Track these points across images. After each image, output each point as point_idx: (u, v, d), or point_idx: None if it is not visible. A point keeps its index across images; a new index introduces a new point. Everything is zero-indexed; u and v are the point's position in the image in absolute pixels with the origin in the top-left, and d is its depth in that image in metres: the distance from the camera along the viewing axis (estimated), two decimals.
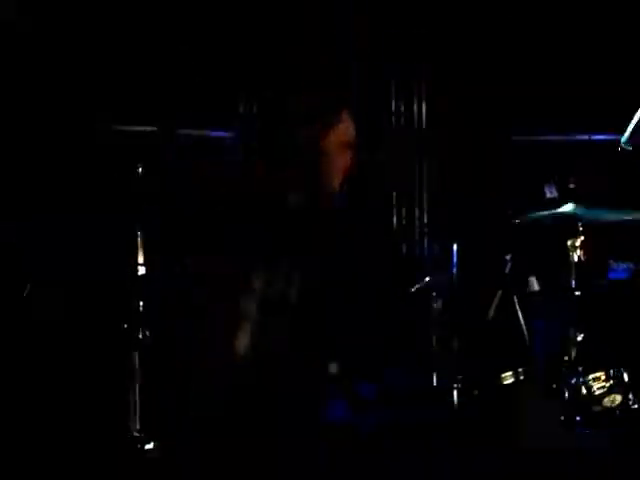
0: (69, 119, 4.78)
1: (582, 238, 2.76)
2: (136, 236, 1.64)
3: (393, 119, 6.41)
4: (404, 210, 6.46)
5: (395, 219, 6.41)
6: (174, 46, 5.11)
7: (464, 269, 3.17)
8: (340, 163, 2.30)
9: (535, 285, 4.73)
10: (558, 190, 4.83)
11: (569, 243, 2.76)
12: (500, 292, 2.94)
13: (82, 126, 4.65)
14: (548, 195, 4.90)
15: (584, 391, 2.29)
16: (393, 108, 6.41)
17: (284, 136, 2.24)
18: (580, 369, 2.47)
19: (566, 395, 2.23)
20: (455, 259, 3.13)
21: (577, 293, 2.78)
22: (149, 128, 5.26)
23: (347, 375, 2.18)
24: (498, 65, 5.44)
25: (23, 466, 3.39)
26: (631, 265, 5.00)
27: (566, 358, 2.64)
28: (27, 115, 4.55)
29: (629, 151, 2.30)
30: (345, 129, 2.30)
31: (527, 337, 3.38)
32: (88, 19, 4.88)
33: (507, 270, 2.97)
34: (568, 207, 2.75)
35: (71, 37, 4.82)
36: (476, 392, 2.51)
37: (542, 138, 5.87)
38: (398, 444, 2.03)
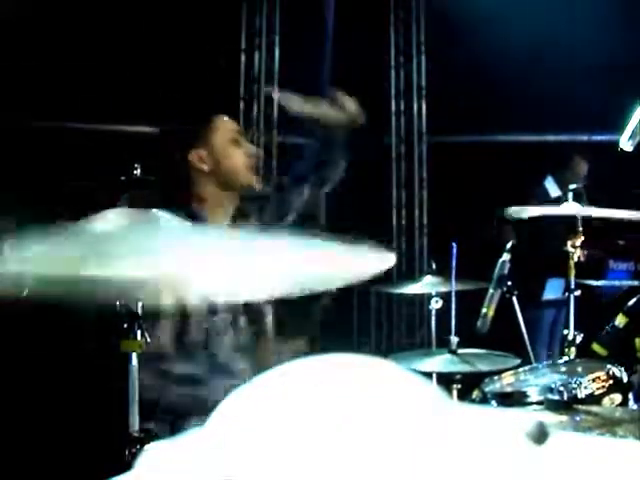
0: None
1: (582, 238, 2.75)
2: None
3: (393, 119, 6.42)
4: (404, 210, 6.48)
5: (395, 219, 6.43)
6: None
7: (463, 269, 3.17)
8: (239, 155, 2.46)
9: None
10: (560, 188, 4.83)
11: (569, 243, 2.76)
12: (499, 292, 2.93)
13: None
14: (552, 194, 4.90)
15: (584, 391, 2.29)
16: (393, 108, 6.43)
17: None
18: (580, 369, 2.46)
19: (566, 395, 2.23)
20: (454, 259, 3.12)
21: (577, 293, 2.78)
22: (148, 128, 5.25)
23: None
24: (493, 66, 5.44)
25: (23, 466, 3.38)
26: (631, 265, 5.02)
27: (566, 358, 2.64)
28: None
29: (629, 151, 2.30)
30: (226, 126, 2.49)
31: (527, 337, 3.37)
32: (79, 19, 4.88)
33: (506, 271, 2.96)
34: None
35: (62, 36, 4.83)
36: (476, 392, 2.51)
37: (544, 138, 5.88)
38: None
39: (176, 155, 2.44)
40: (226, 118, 2.53)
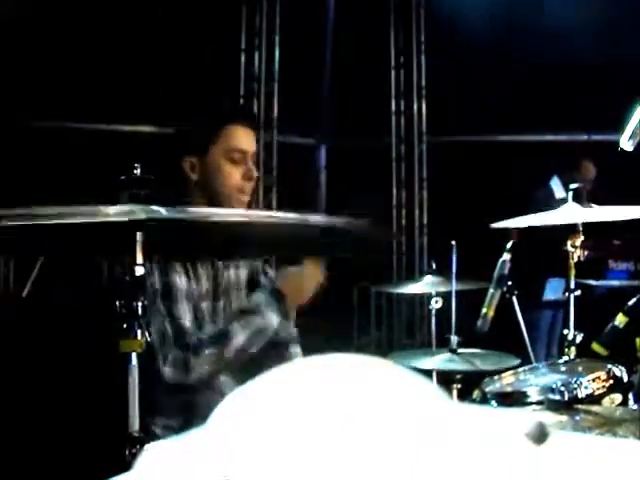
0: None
1: (582, 238, 2.75)
2: (135, 236, 1.63)
3: (393, 119, 6.42)
4: (404, 210, 6.47)
5: (395, 219, 6.43)
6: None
7: (463, 269, 3.17)
8: (233, 174, 2.25)
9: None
10: (565, 188, 4.83)
11: (569, 243, 2.76)
12: (499, 292, 2.93)
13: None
14: (557, 195, 4.90)
15: (584, 391, 2.28)
16: (393, 108, 6.42)
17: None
18: (580, 369, 2.46)
19: (566, 395, 2.23)
20: (454, 259, 3.12)
21: (577, 293, 2.78)
22: (147, 128, 5.26)
23: None
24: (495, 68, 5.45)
25: (23, 466, 3.38)
26: (631, 265, 5.01)
27: (566, 358, 2.64)
28: None
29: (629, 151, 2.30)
30: (231, 138, 2.26)
31: (527, 337, 3.37)
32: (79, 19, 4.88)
33: (506, 271, 2.96)
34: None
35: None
36: (476, 392, 2.51)
37: (543, 138, 5.89)
38: None
39: (170, 157, 2.31)
40: (241, 128, 2.28)
